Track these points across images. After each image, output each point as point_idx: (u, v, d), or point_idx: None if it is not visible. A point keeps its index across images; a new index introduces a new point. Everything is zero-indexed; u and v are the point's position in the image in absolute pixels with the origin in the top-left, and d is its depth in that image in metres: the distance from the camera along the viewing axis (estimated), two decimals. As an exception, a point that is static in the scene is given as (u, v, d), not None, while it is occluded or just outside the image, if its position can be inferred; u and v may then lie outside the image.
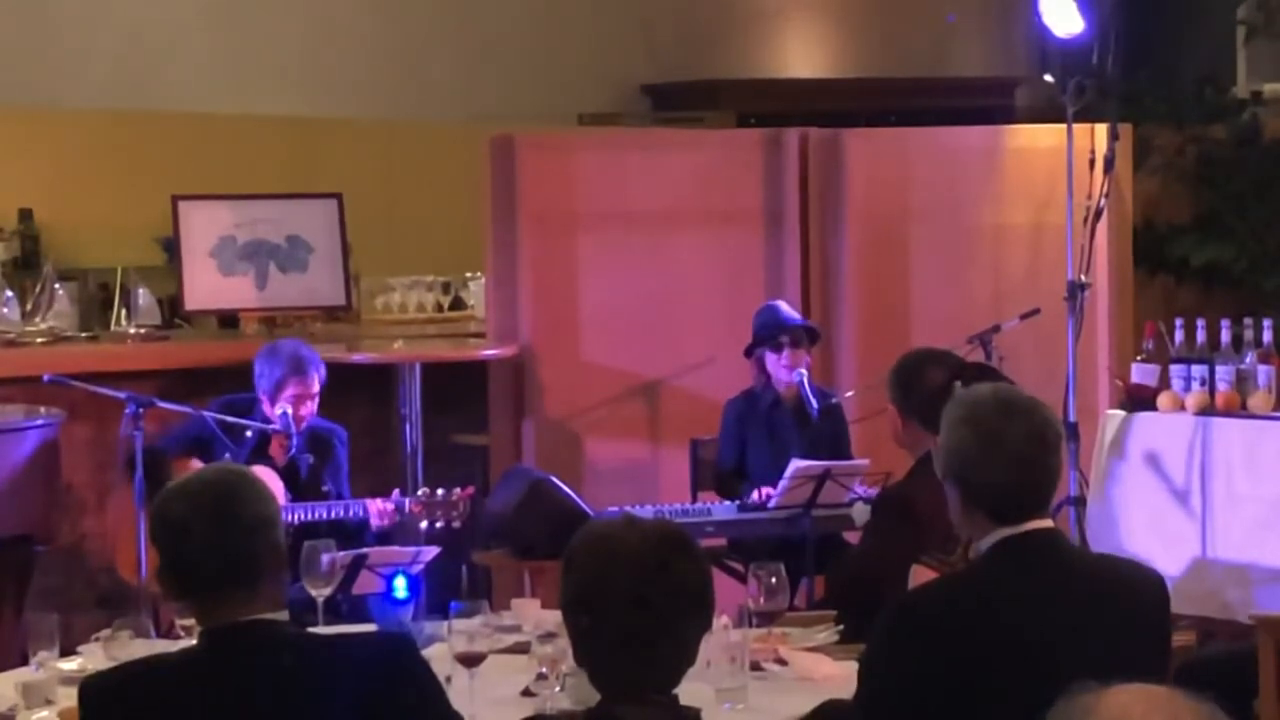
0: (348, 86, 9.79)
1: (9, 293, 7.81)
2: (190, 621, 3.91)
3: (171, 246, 8.06)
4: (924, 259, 7.81)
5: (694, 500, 6.94)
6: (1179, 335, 6.67)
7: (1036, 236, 7.76)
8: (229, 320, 8.16)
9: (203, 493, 3.25)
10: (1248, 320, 6.59)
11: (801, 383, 6.65)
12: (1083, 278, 6.94)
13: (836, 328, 7.69)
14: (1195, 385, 6.51)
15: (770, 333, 6.71)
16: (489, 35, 10.29)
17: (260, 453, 6.28)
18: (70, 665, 4.45)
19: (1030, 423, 3.50)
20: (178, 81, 9.36)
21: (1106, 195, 7.10)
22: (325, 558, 4.74)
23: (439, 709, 3.33)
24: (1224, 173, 9.49)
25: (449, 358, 7.62)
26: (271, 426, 6.26)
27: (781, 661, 4.40)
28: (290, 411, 6.25)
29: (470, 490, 6.30)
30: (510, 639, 4.54)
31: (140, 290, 8.01)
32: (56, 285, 7.87)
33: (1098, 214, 7.08)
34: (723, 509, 6.56)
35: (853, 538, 6.16)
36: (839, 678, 4.14)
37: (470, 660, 4.11)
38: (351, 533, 6.15)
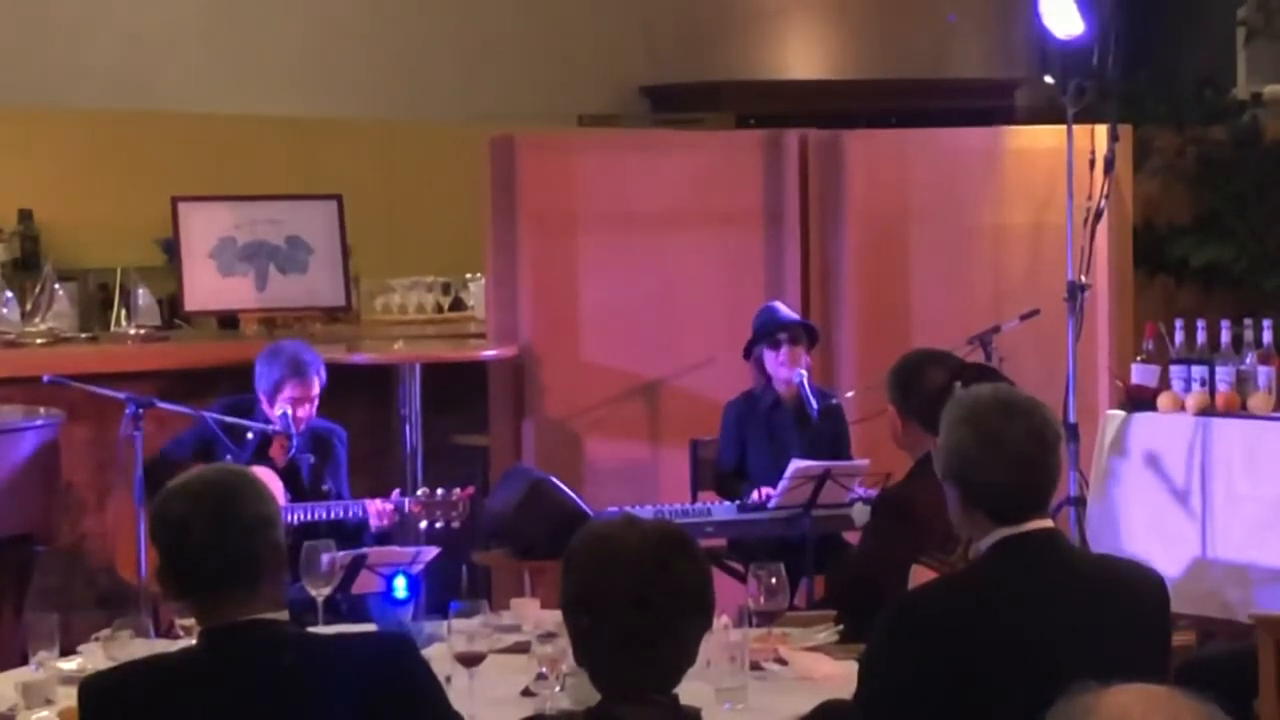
0: (348, 86, 9.79)
1: (9, 293, 7.81)
2: (190, 621, 3.91)
3: (171, 247, 8.06)
4: (924, 259, 7.81)
5: (694, 500, 6.95)
6: (1179, 336, 6.67)
7: (1036, 237, 7.76)
8: (229, 321, 8.16)
9: (203, 493, 3.25)
10: (1248, 321, 6.59)
11: (801, 383, 6.66)
12: (1083, 278, 6.94)
13: (836, 328, 7.69)
14: (1195, 386, 6.51)
15: (768, 330, 6.72)
16: (489, 35, 10.29)
17: (261, 454, 6.28)
18: (70, 665, 4.45)
19: (1030, 423, 3.50)
20: (178, 81, 9.36)
21: (1106, 196, 7.10)
22: (325, 558, 4.74)
23: (439, 709, 3.33)
24: (1224, 174, 9.50)
25: (449, 358, 7.62)
26: (272, 427, 6.26)
27: (781, 661, 4.40)
28: (290, 412, 6.25)
29: (470, 490, 6.31)
30: (510, 639, 4.54)
31: (140, 291, 8.02)
32: (56, 286, 7.87)
33: (1098, 215, 7.08)
34: (723, 509, 6.56)
35: (853, 538, 6.16)
36: (839, 678, 4.14)
37: (470, 660, 4.11)
38: (351, 533, 6.16)
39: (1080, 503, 6.67)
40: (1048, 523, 3.55)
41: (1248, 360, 6.47)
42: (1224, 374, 6.45)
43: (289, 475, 6.27)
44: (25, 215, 8.55)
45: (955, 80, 11.51)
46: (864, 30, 11.56)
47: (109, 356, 7.47)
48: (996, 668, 3.37)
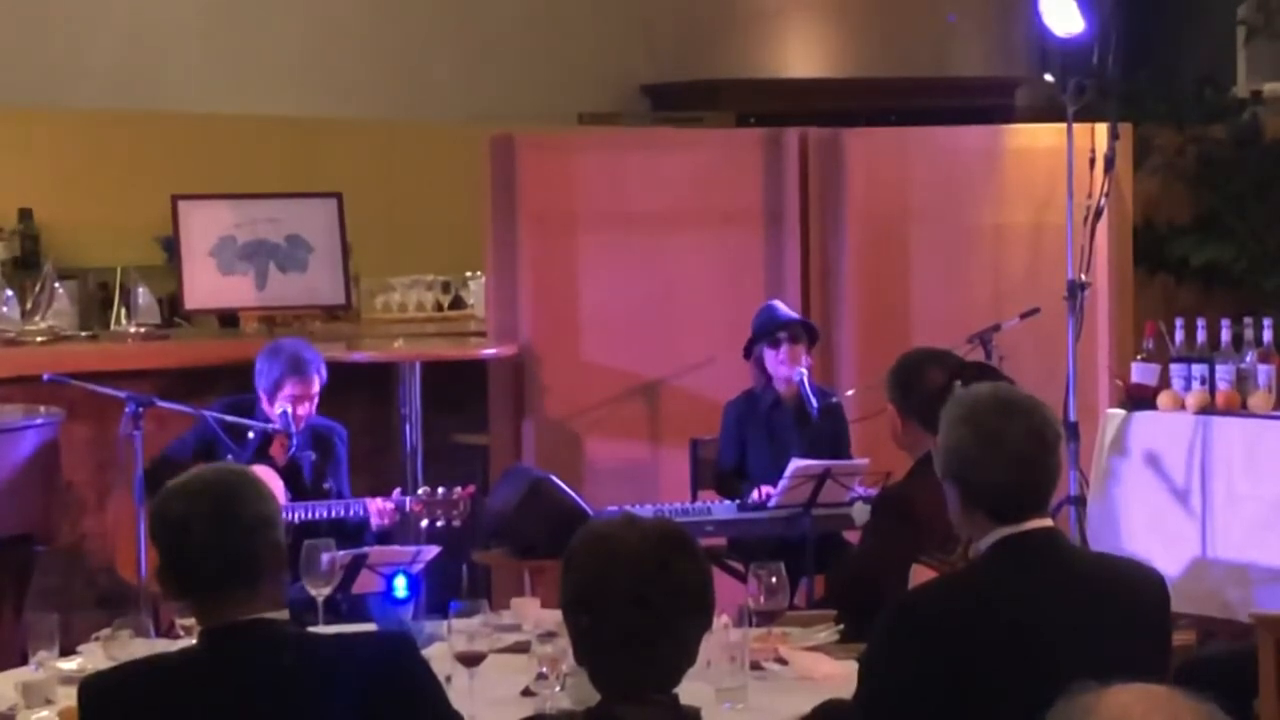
0: (348, 86, 9.79)
1: (9, 292, 7.81)
2: (190, 621, 3.91)
3: (171, 246, 8.06)
4: (924, 259, 7.81)
5: (694, 500, 6.95)
6: (1179, 335, 6.67)
7: (1036, 236, 7.76)
8: (229, 320, 8.16)
9: (203, 492, 3.25)
10: (1248, 320, 6.59)
11: (801, 382, 6.66)
12: (1083, 277, 6.94)
13: (836, 328, 7.69)
14: (1195, 385, 6.51)
15: (768, 329, 6.72)
16: (489, 35, 10.29)
17: (261, 452, 6.28)
18: (70, 665, 4.45)
19: (1030, 422, 3.50)
20: (178, 81, 9.36)
21: (1106, 195, 7.10)
22: (325, 557, 4.74)
23: (439, 709, 3.33)
24: (1224, 173, 9.50)
25: (449, 357, 7.62)
26: (272, 426, 6.26)
27: (781, 661, 4.40)
28: (290, 411, 6.25)
29: (470, 490, 6.30)
30: (510, 638, 4.54)
31: (140, 290, 8.01)
32: (56, 285, 7.87)
33: (1098, 214, 7.08)
34: (723, 509, 6.56)
35: (853, 537, 6.16)
36: (839, 677, 4.14)
37: (470, 660, 4.11)
38: (351, 532, 6.15)
39: (1080, 502, 6.67)
40: (1047, 522, 3.55)
41: (1248, 359, 6.47)
42: (1224, 373, 6.45)
43: (289, 474, 6.27)
44: (25, 215, 8.54)
45: (955, 79, 11.51)
46: (864, 29, 11.56)
47: (109, 355, 7.47)
48: (996, 667, 3.37)
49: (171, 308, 8.12)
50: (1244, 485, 6.38)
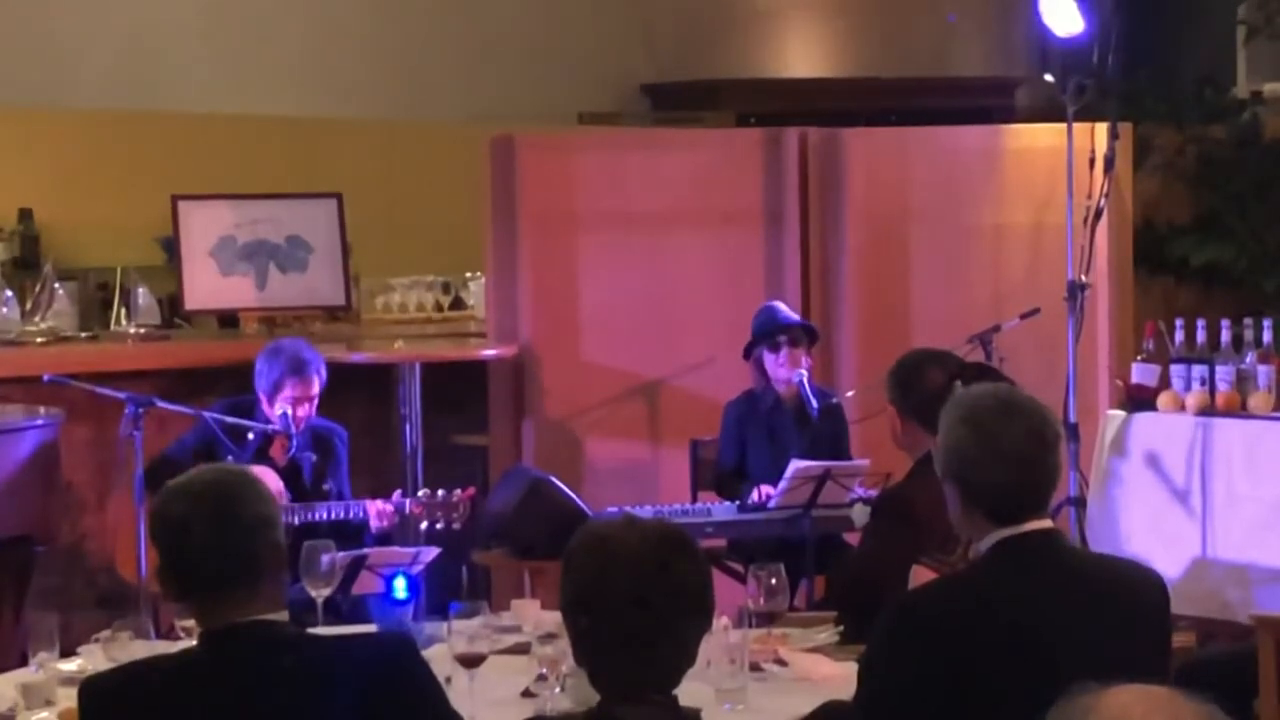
0: (348, 86, 9.79)
1: (9, 293, 7.81)
2: (190, 621, 3.91)
3: (171, 246, 8.06)
4: (924, 259, 7.81)
5: (694, 500, 6.94)
6: (1179, 335, 6.67)
7: (1036, 236, 7.76)
8: (229, 320, 8.16)
9: (203, 493, 3.25)
10: (1248, 320, 6.59)
11: (801, 383, 6.65)
12: (1083, 278, 6.94)
13: (836, 328, 7.69)
14: (1195, 385, 6.51)
15: (767, 332, 6.72)
16: (489, 35, 10.29)
17: (261, 453, 6.28)
18: (70, 665, 4.45)
19: (1029, 422, 3.50)
20: (178, 81, 9.36)
21: (1106, 195, 7.10)
22: (325, 558, 4.74)
23: (439, 709, 3.33)
24: (1224, 173, 9.50)
25: (449, 358, 7.62)
26: (272, 427, 6.26)
27: (781, 662, 4.40)
28: (289, 412, 6.25)
29: (470, 491, 6.30)
30: (510, 639, 4.54)
31: (140, 290, 8.01)
32: (56, 285, 7.87)
33: (1098, 214, 7.08)
34: (723, 509, 6.56)
35: (853, 538, 6.16)
36: (839, 678, 4.14)
37: (470, 661, 4.11)
38: (351, 533, 6.15)
39: (1080, 503, 6.67)
40: (1047, 523, 3.54)
41: (1248, 360, 6.47)
42: (1224, 373, 6.45)
43: (289, 475, 6.27)
44: (25, 215, 8.54)
45: (955, 79, 11.51)
46: (864, 28, 11.56)
47: (109, 356, 7.47)
48: (996, 668, 3.37)
49: (171, 308, 8.12)
50: (1244, 486, 6.38)
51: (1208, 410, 6.48)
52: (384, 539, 6.19)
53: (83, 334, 7.90)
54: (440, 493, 6.24)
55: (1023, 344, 7.17)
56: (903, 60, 11.39)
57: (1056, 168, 7.22)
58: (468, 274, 8.49)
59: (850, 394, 6.92)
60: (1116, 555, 5.35)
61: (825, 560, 6.30)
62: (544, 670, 4.06)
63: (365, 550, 5.52)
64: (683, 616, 2.94)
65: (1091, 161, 7.09)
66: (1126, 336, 7.74)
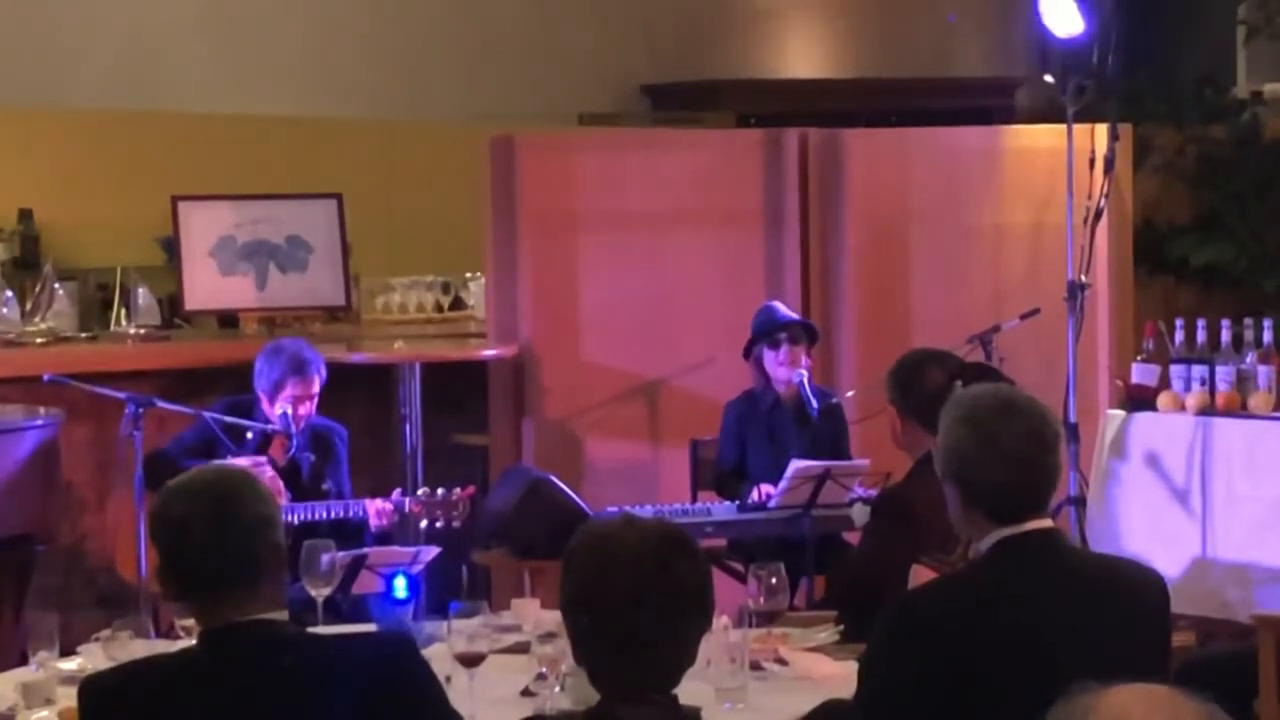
0: (348, 86, 9.79)
1: (9, 293, 7.81)
2: (190, 621, 3.91)
3: (171, 246, 8.06)
4: (924, 259, 7.81)
5: (694, 500, 6.94)
6: (1179, 335, 6.67)
7: (1036, 236, 7.76)
8: (229, 320, 8.16)
9: (203, 493, 3.25)
10: (1248, 320, 6.59)
11: (801, 383, 6.66)
12: (1083, 278, 6.94)
13: (836, 328, 7.69)
14: (1195, 385, 6.51)
15: (767, 330, 6.72)
16: (489, 35, 10.29)
17: (261, 453, 6.27)
18: (70, 665, 4.44)
19: (1029, 422, 3.50)
20: (178, 81, 9.36)
21: (1106, 195, 7.10)
22: (325, 558, 4.74)
23: (439, 709, 3.33)
24: (1224, 173, 9.50)
25: (449, 358, 7.62)
26: (272, 427, 6.26)
27: (781, 661, 4.40)
28: (290, 411, 6.25)
29: (470, 490, 6.30)
30: (510, 639, 4.54)
31: (140, 290, 8.01)
32: (56, 285, 7.87)
33: (1098, 214, 7.08)
34: (723, 509, 6.56)
35: (853, 538, 6.16)
36: (839, 678, 4.14)
37: (470, 660, 4.11)
38: (351, 533, 6.15)
39: (1080, 503, 6.67)
40: (1047, 522, 3.54)
41: (1248, 360, 6.47)
42: (1224, 374, 6.45)
43: (289, 474, 6.27)
44: (25, 215, 8.55)
45: (955, 79, 11.50)
46: (864, 29, 11.56)
47: (109, 356, 7.47)
48: (997, 668, 3.37)
49: (171, 308, 8.12)
50: (1244, 486, 6.38)
51: (1208, 410, 6.48)
52: (384, 538, 6.19)
53: (83, 334, 7.89)
54: (440, 492, 6.24)
55: (1023, 344, 7.17)
56: (903, 60, 11.39)
57: (1056, 168, 7.22)
58: (468, 274, 8.49)
59: (850, 394, 6.91)
60: (1116, 555, 5.36)
61: (825, 560, 6.30)
62: (544, 669, 4.06)
63: (365, 550, 5.52)
64: (683, 616, 2.94)
65: (1091, 162, 7.09)
66: (1126, 336, 7.74)
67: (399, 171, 9.38)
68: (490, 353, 7.54)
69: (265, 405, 6.31)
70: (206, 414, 6.19)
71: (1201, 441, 6.47)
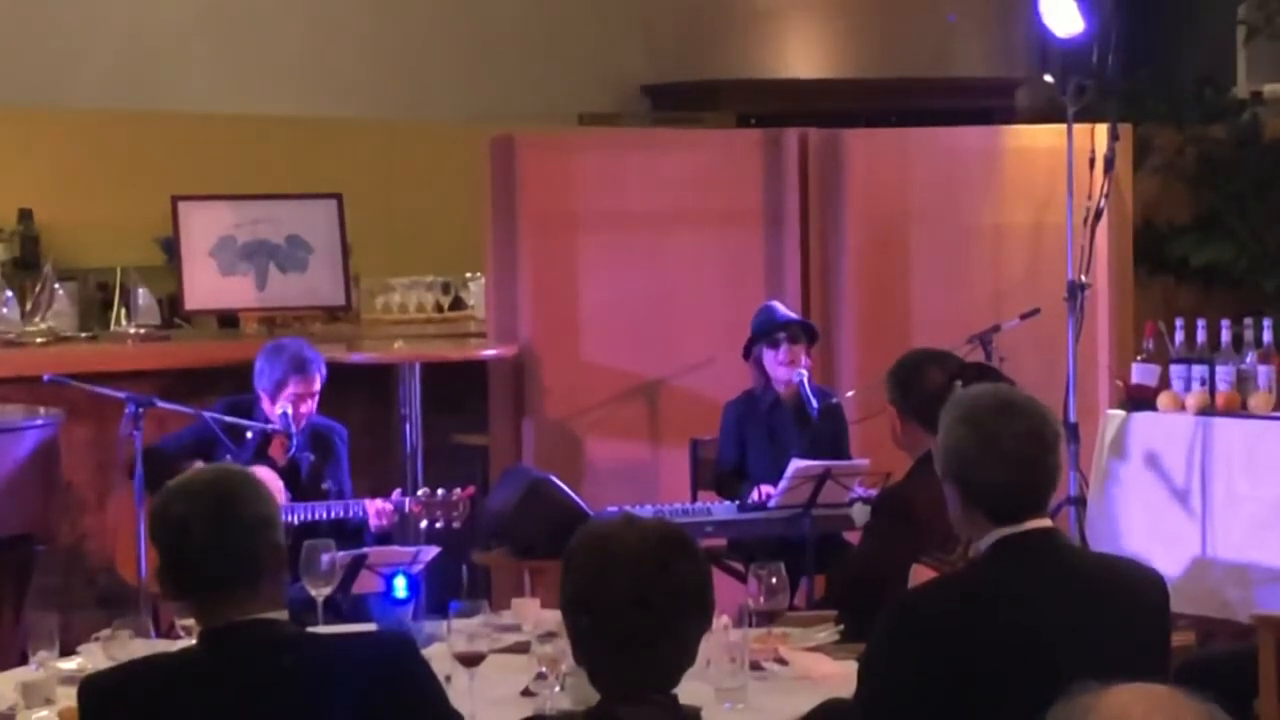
0: (348, 86, 9.79)
1: (9, 293, 7.81)
2: (190, 621, 3.91)
3: (171, 246, 8.06)
4: (924, 259, 7.81)
5: (694, 500, 6.94)
6: (1179, 335, 6.67)
7: (1036, 236, 7.76)
8: (229, 320, 8.16)
9: (203, 493, 3.25)
10: (1248, 320, 6.59)
11: (801, 383, 6.66)
12: (1083, 278, 6.94)
13: (836, 328, 7.69)
14: (1195, 385, 6.51)
15: (767, 329, 6.72)
16: (489, 35, 10.29)
17: (261, 453, 6.27)
18: (70, 665, 4.44)
19: (1028, 422, 3.50)
20: (178, 81, 9.36)
21: (1106, 195, 7.10)
22: (325, 558, 4.74)
23: (439, 709, 3.33)
24: (1224, 173, 9.50)
25: (449, 358, 7.62)
26: (272, 426, 6.26)
27: (781, 661, 4.40)
28: (290, 411, 6.25)
29: (470, 490, 6.30)
30: (510, 639, 4.54)
31: (140, 290, 8.01)
32: (56, 285, 7.87)
33: (1098, 214, 7.08)
34: (723, 509, 6.56)
35: (853, 538, 6.16)
36: (839, 677, 4.14)
37: (470, 660, 4.11)
38: (351, 532, 6.15)
39: (1080, 502, 6.67)
40: (1046, 522, 3.54)
41: (1248, 360, 6.47)
42: (1224, 373, 6.45)
43: (289, 474, 6.27)
44: (25, 215, 8.54)
45: (955, 79, 11.50)
46: (864, 29, 11.55)
47: (109, 356, 7.47)
48: (996, 667, 3.37)
49: (171, 308, 8.12)
50: (1244, 486, 6.38)
51: (1208, 410, 6.48)
52: (384, 538, 6.19)
53: (83, 334, 7.89)
54: (440, 492, 6.24)
55: (1023, 344, 7.17)
56: (903, 60, 11.39)
57: (1056, 168, 7.22)
58: (468, 274, 8.49)
59: (850, 394, 6.91)
60: (1116, 554, 5.36)
61: (825, 559, 6.30)
62: (544, 669, 4.06)
63: (365, 549, 5.52)
64: (683, 616, 2.94)
65: (1091, 162, 7.09)
66: (1126, 336, 7.74)
67: (399, 171, 9.38)
68: (490, 353, 7.54)
69: (266, 405, 6.31)
70: (206, 414, 6.19)
71: (1201, 441, 6.47)
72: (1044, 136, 7.82)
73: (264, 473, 5.36)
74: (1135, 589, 3.57)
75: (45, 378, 6.27)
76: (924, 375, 5.00)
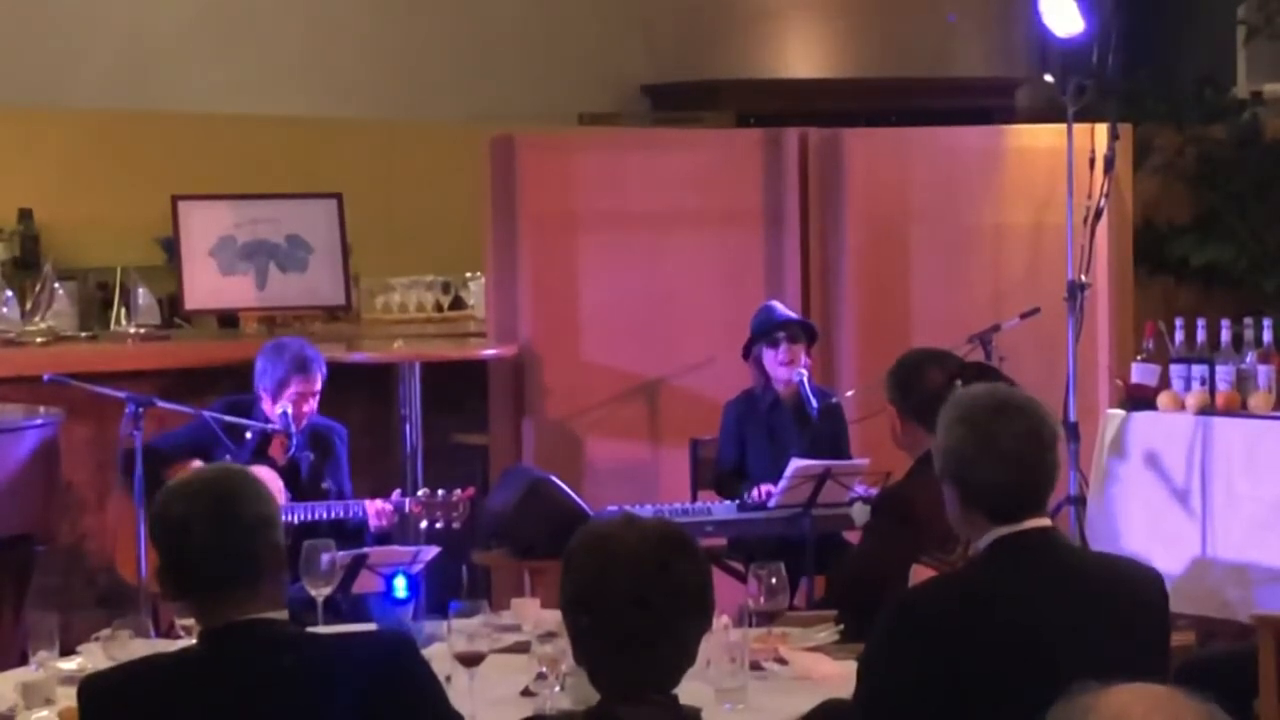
0: (348, 86, 9.79)
1: (9, 293, 7.82)
2: (190, 621, 3.92)
3: (171, 246, 8.06)
4: (924, 259, 7.81)
5: (694, 500, 6.94)
6: (1179, 335, 6.68)
7: (1036, 236, 7.76)
8: (229, 320, 8.16)
9: (203, 492, 3.25)
10: (1248, 320, 6.59)
11: (801, 382, 6.66)
12: (1083, 278, 6.94)
13: (836, 328, 7.69)
14: (1195, 385, 6.52)
15: (766, 329, 6.72)
16: (489, 35, 10.29)
17: (261, 452, 6.27)
18: (70, 665, 4.44)
19: (1026, 422, 3.50)
20: (178, 81, 9.36)
21: (1106, 195, 7.10)
22: (325, 558, 4.74)
23: (439, 709, 3.33)
24: (1224, 173, 9.50)
25: (449, 357, 7.62)
26: (272, 426, 6.26)
27: (781, 661, 4.40)
28: (290, 410, 6.25)
29: (470, 491, 6.30)
30: (510, 639, 4.54)
31: (140, 290, 8.02)
32: (56, 285, 7.88)
33: (1098, 214, 7.08)
34: (723, 509, 6.56)
35: (853, 537, 6.16)
36: (839, 677, 4.14)
37: (470, 660, 4.11)
38: (351, 533, 6.15)
39: (1080, 502, 6.67)
40: (1045, 521, 3.54)
41: (1248, 359, 6.47)
42: (1224, 373, 6.45)
43: (289, 474, 6.26)
44: (25, 215, 8.55)
45: (955, 79, 11.50)
46: (864, 29, 11.55)
47: (109, 356, 7.47)
48: (996, 667, 3.37)
49: (171, 308, 8.12)
50: (1244, 485, 6.38)
51: (1208, 410, 6.48)
52: (384, 538, 6.19)
53: (83, 334, 7.90)
54: (440, 492, 6.24)
55: (1023, 344, 7.17)
56: (903, 60, 11.38)
57: (1056, 168, 7.22)
58: (468, 274, 8.50)
59: (850, 394, 6.91)
60: (1116, 554, 5.36)
61: (825, 559, 6.30)
62: (544, 669, 4.06)
63: (365, 549, 5.52)
64: (683, 616, 2.94)
65: (1091, 162, 7.09)
66: (1126, 336, 7.75)
67: (399, 171, 9.38)
68: (490, 352, 7.55)
69: (266, 404, 6.30)
70: (206, 413, 6.18)
71: (1201, 441, 6.48)
72: (1044, 136, 7.82)
73: (264, 472, 5.36)
74: (1135, 588, 3.57)
75: (45, 377, 6.27)
76: (924, 375, 5.00)
